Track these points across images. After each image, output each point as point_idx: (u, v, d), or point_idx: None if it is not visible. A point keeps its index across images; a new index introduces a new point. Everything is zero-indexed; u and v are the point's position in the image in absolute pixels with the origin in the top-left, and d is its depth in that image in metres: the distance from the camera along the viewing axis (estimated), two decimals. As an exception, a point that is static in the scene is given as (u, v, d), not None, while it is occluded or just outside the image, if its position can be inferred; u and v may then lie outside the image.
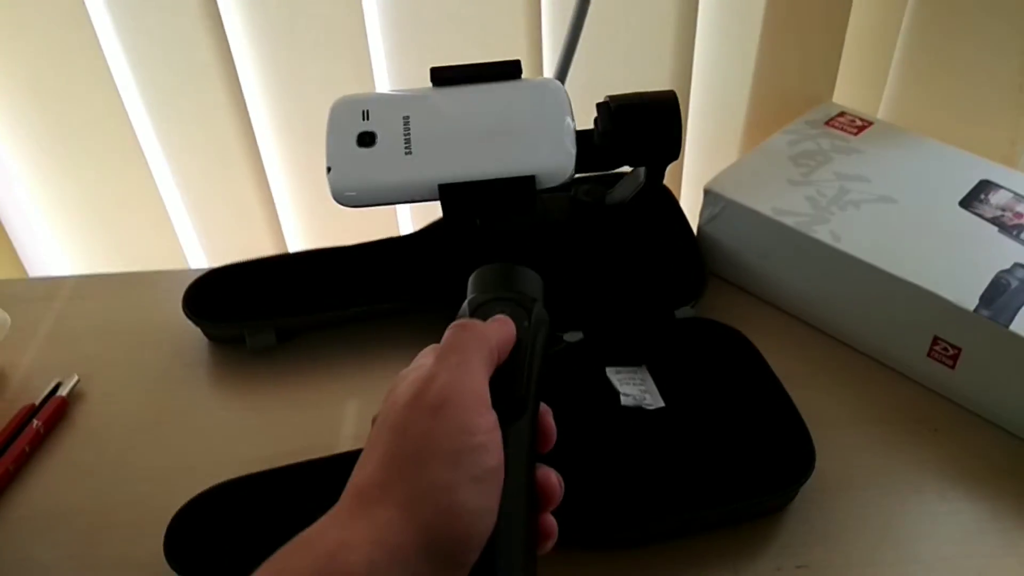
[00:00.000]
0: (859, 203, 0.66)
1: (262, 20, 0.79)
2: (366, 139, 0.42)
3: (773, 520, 0.54)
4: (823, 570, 0.52)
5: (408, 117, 0.42)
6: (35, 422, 0.61)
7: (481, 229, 0.45)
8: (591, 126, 0.52)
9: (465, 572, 0.33)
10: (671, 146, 0.47)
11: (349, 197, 0.42)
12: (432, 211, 0.71)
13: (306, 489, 0.54)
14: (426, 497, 0.32)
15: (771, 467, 0.54)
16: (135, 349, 0.68)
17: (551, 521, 0.38)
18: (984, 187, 0.67)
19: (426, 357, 0.37)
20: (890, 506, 0.55)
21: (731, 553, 0.52)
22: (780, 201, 0.67)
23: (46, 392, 0.63)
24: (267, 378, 0.65)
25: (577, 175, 0.44)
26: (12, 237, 0.90)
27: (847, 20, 0.84)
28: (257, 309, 0.67)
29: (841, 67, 0.87)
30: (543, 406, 0.40)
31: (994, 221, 0.64)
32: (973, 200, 0.66)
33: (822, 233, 0.64)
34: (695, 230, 0.71)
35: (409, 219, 0.96)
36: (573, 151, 0.42)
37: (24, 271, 0.92)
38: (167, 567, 0.51)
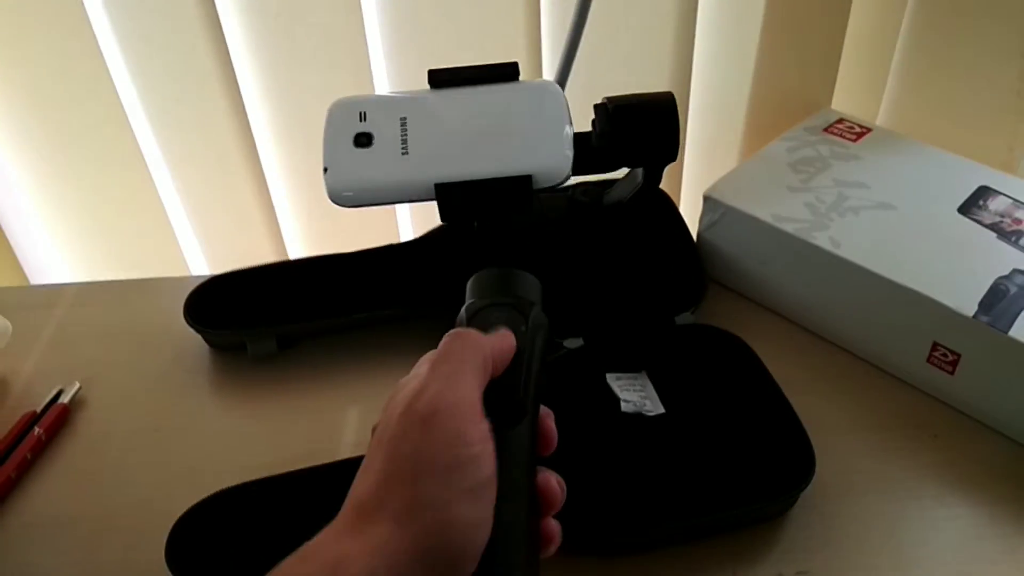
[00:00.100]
0: (858, 209, 0.66)
1: (262, 27, 0.79)
2: (363, 140, 0.42)
3: (773, 526, 0.54)
4: (823, 576, 0.52)
5: (405, 118, 0.43)
6: (37, 429, 0.61)
7: (480, 233, 0.45)
8: (589, 129, 0.52)
9: None
10: (669, 147, 0.47)
11: (346, 197, 0.42)
12: (432, 218, 0.72)
13: (307, 496, 0.54)
14: (421, 512, 0.32)
15: (771, 473, 0.54)
16: (136, 356, 0.68)
17: (553, 525, 0.38)
18: (983, 193, 0.67)
19: (423, 366, 0.37)
20: (890, 512, 0.55)
21: (731, 559, 0.53)
22: (779, 207, 0.67)
23: (48, 399, 0.63)
24: (268, 385, 0.65)
25: (575, 177, 0.44)
26: (14, 244, 0.90)
27: (845, 26, 0.84)
28: (258, 316, 0.67)
29: (840, 73, 0.87)
30: (544, 409, 0.40)
31: (993, 227, 0.64)
32: (972, 206, 0.66)
33: (821, 239, 0.64)
34: (695, 236, 0.72)
35: (409, 226, 0.96)
36: (570, 152, 0.42)
37: (26, 278, 0.92)
38: (169, 574, 0.51)
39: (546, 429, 0.40)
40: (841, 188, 0.69)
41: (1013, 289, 0.59)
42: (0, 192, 0.87)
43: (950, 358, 0.59)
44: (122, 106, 0.82)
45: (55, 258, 0.93)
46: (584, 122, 0.51)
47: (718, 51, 0.86)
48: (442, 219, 0.42)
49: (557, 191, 0.49)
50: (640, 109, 0.47)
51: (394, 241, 0.72)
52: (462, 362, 0.35)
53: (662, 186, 0.74)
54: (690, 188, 0.94)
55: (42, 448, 0.61)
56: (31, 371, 0.67)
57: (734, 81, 0.87)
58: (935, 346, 0.60)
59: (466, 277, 0.43)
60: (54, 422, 0.62)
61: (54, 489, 0.59)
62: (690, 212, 0.73)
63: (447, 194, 0.41)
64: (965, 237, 0.64)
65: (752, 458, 0.55)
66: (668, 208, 0.73)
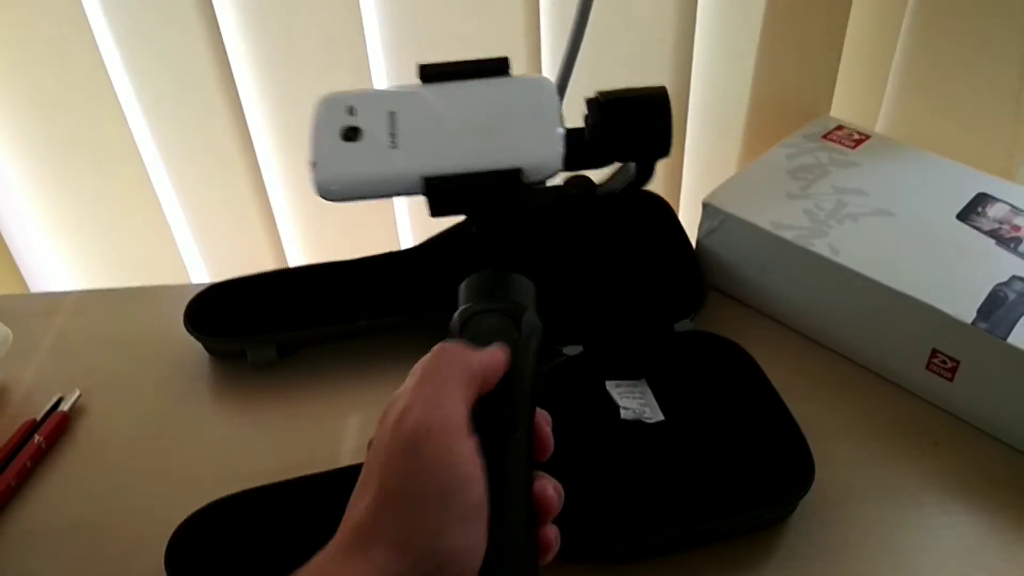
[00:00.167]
0: (857, 216, 0.67)
1: (261, 32, 0.79)
2: (351, 134, 0.42)
3: (773, 533, 0.54)
4: (823, 583, 0.52)
5: (394, 112, 0.42)
6: (37, 437, 0.61)
7: (476, 234, 0.45)
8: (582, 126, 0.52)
9: None
10: (662, 141, 0.47)
11: (334, 191, 0.42)
12: (432, 225, 0.72)
13: (307, 504, 0.54)
14: (415, 540, 0.32)
15: (770, 480, 0.54)
16: (136, 364, 0.68)
17: (551, 533, 0.38)
18: (981, 200, 0.68)
19: (413, 376, 0.37)
20: (890, 519, 0.55)
21: (731, 566, 0.53)
22: (778, 215, 0.67)
23: (48, 407, 0.63)
24: (268, 393, 0.66)
25: (567, 172, 0.44)
26: (14, 252, 0.90)
27: (844, 33, 0.84)
28: (258, 324, 0.67)
29: (839, 80, 0.87)
30: (541, 414, 0.40)
31: (991, 234, 0.64)
32: (970, 213, 0.66)
33: (820, 246, 0.64)
34: (694, 244, 0.72)
35: (410, 233, 0.96)
36: (561, 145, 0.42)
37: (26, 286, 0.92)
38: (168, 582, 0.51)
39: (542, 435, 0.39)
40: (840, 195, 0.69)
41: (1012, 296, 0.59)
42: (1, 200, 0.87)
43: (949, 365, 0.59)
44: (123, 113, 0.82)
45: (55, 266, 0.93)
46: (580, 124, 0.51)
47: (717, 59, 0.86)
48: (431, 213, 0.41)
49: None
50: (632, 102, 0.46)
51: (394, 248, 0.72)
52: (447, 379, 0.35)
53: (661, 193, 0.74)
54: (689, 195, 0.94)
55: (42, 456, 0.61)
56: (31, 379, 0.67)
57: (733, 88, 0.88)
58: (934, 353, 0.60)
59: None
60: (54, 430, 0.62)
61: (54, 497, 0.59)
62: (689, 219, 0.73)
63: (435, 187, 0.40)
64: (964, 244, 0.64)
65: (751, 465, 0.55)
66: (667, 215, 0.73)
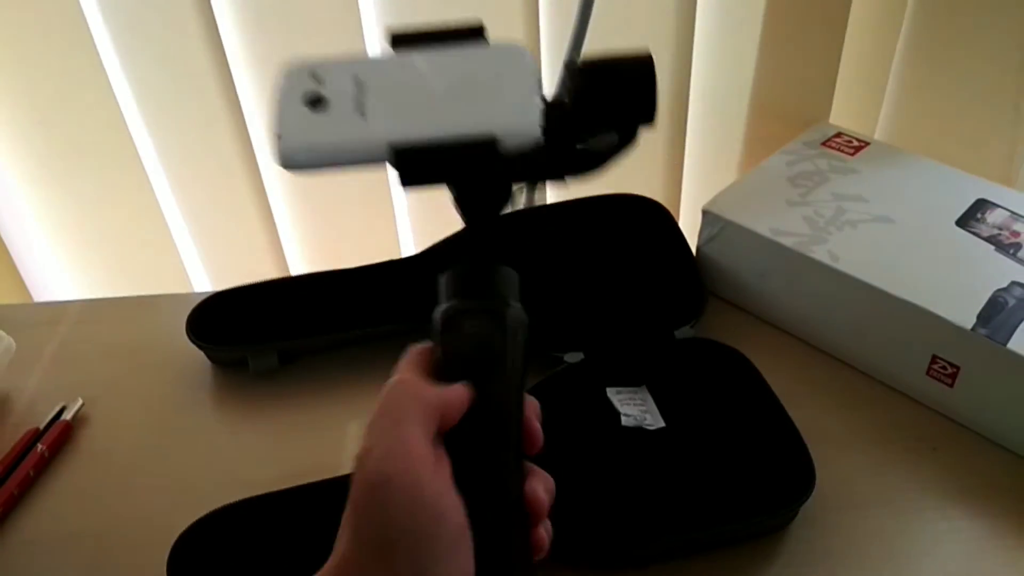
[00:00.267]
0: (856, 223, 0.67)
1: (262, 39, 0.80)
2: (316, 103, 0.39)
3: (774, 540, 0.54)
4: (824, 590, 0.52)
5: (362, 80, 0.40)
6: (39, 446, 0.61)
7: (467, 240, 0.43)
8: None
9: None
10: (647, 106, 0.44)
11: (296, 160, 0.39)
12: (433, 232, 0.72)
13: (310, 511, 0.54)
14: None
15: (771, 487, 0.54)
16: (139, 373, 0.68)
17: (543, 531, 0.38)
18: (981, 206, 0.68)
19: (372, 413, 0.36)
20: (890, 525, 0.55)
21: (732, 573, 0.53)
22: (778, 221, 0.67)
23: (50, 416, 0.64)
24: (270, 401, 0.66)
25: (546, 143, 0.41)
26: (17, 262, 0.90)
27: (843, 40, 0.85)
28: (260, 332, 0.68)
29: (838, 87, 0.87)
30: (531, 406, 0.39)
31: (991, 240, 0.64)
32: (970, 219, 0.67)
33: (820, 253, 0.64)
34: (694, 251, 0.72)
35: (411, 241, 0.96)
36: (539, 113, 0.39)
37: (29, 295, 0.92)
38: (171, 590, 0.51)
39: (531, 428, 0.39)
40: (839, 202, 0.69)
41: (1011, 301, 0.59)
42: (4, 209, 0.88)
43: (949, 371, 0.59)
44: (124, 122, 0.83)
45: (58, 275, 0.93)
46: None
47: (717, 66, 0.87)
48: (401, 184, 0.39)
49: (527, 161, 0.42)
50: (616, 68, 0.44)
51: (395, 257, 0.72)
52: (405, 415, 0.34)
53: (661, 200, 0.75)
54: (689, 202, 0.94)
55: (45, 465, 0.61)
56: (34, 388, 0.67)
57: (733, 96, 0.88)
58: (934, 359, 0.60)
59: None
60: (57, 439, 0.62)
61: (57, 506, 0.59)
62: (689, 226, 0.73)
63: (404, 156, 0.38)
64: (963, 250, 0.64)
65: (752, 472, 0.55)
66: (667, 222, 0.73)
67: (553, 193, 0.92)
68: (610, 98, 0.44)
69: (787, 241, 0.65)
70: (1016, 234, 0.65)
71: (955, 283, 0.61)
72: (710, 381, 0.62)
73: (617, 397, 0.60)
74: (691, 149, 0.91)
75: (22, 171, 0.85)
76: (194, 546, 0.53)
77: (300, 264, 0.97)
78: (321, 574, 0.33)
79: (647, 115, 0.44)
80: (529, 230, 0.72)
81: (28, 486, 0.59)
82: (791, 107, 0.87)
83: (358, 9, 0.79)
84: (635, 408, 0.59)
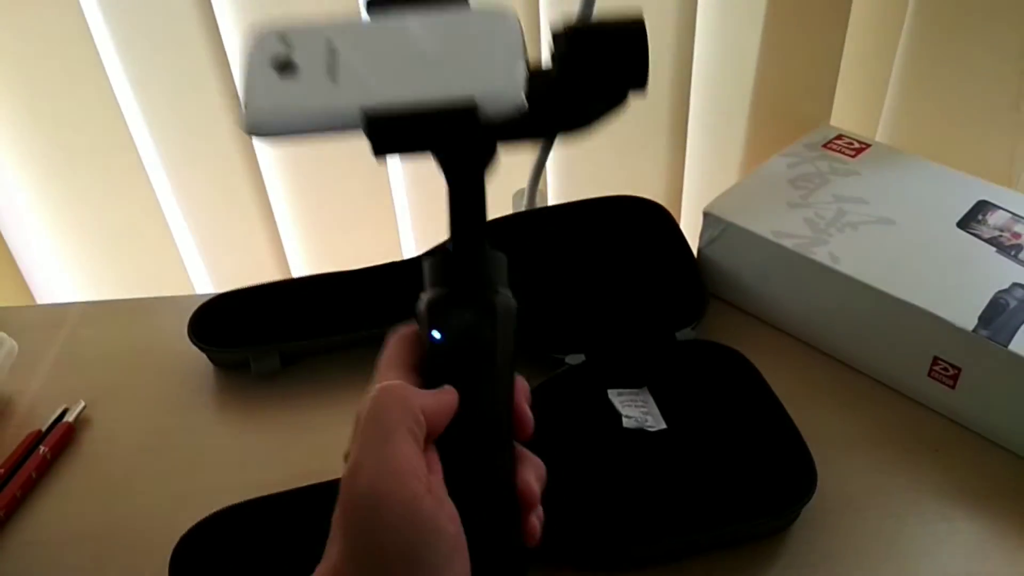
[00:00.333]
0: (857, 225, 0.67)
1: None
2: (286, 68, 0.37)
3: (775, 541, 0.54)
4: (826, 591, 0.52)
5: (335, 44, 0.38)
6: (42, 448, 0.61)
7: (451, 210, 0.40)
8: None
9: None
10: (638, 72, 0.42)
11: (263, 127, 0.37)
12: (436, 233, 0.72)
13: (312, 513, 0.54)
14: None
15: (773, 488, 0.54)
16: (141, 375, 0.68)
17: (535, 520, 0.37)
18: (982, 207, 0.68)
19: (356, 425, 0.34)
20: (892, 526, 0.55)
21: (733, 574, 0.53)
22: (779, 223, 0.67)
23: (53, 418, 0.64)
24: (272, 403, 0.66)
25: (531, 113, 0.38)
26: (20, 264, 0.91)
27: (843, 42, 0.85)
28: (261, 334, 0.68)
29: (839, 89, 0.88)
30: (521, 385, 0.38)
31: (992, 241, 0.65)
32: (971, 221, 0.67)
33: (821, 255, 0.64)
34: (695, 252, 0.72)
35: (413, 242, 0.97)
36: (523, 78, 0.37)
37: (32, 298, 0.93)
38: (173, 592, 0.51)
39: (521, 413, 0.38)
40: (840, 204, 0.69)
41: (1013, 303, 0.59)
42: (6, 211, 0.88)
43: (951, 372, 0.60)
44: (126, 124, 0.83)
45: (61, 277, 0.94)
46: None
47: (717, 68, 0.87)
48: (374, 153, 0.37)
49: (511, 129, 0.40)
50: (606, 32, 0.41)
51: (397, 258, 0.72)
52: (394, 425, 0.33)
53: (662, 202, 0.75)
54: (690, 204, 0.95)
55: (47, 467, 0.61)
56: (36, 390, 0.68)
57: (733, 98, 0.88)
58: (935, 360, 0.60)
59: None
60: (59, 441, 0.62)
61: (59, 508, 0.59)
62: (690, 228, 0.73)
63: (376, 122, 0.36)
64: (964, 251, 0.64)
65: (753, 473, 0.55)
66: (668, 224, 0.73)
67: (555, 196, 0.92)
68: (599, 63, 0.41)
69: (788, 243, 0.65)
70: (1017, 235, 0.65)
71: (956, 285, 0.61)
72: (711, 383, 0.62)
73: (618, 399, 0.60)
74: (692, 151, 0.91)
75: (25, 174, 0.86)
76: (196, 548, 0.53)
77: (302, 266, 0.97)
78: None
79: (638, 80, 0.42)
80: (530, 232, 0.73)
81: (30, 488, 0.60)
82: (792, 109, 0.87)
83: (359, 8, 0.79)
84: (636, 410, 0.59)
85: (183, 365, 0.68)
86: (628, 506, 0.54)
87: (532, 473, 0.37)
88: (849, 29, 0.84)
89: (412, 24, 0.38)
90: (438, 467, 0.34)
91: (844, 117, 0.89)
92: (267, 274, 0.95)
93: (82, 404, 0.65)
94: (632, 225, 0.73)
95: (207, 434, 0.64)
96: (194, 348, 0.67)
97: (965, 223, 0.66)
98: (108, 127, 0.82)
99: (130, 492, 0.60)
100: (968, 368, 0.59)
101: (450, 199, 0.39)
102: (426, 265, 0.39)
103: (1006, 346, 0.56)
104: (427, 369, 0.37)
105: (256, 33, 0.39)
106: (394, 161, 0.90)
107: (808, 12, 0.82)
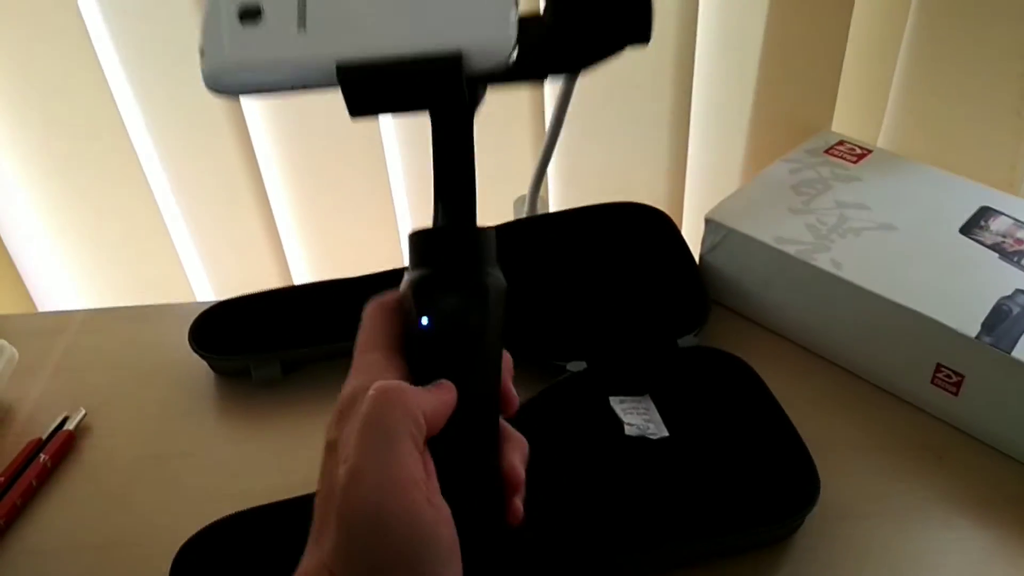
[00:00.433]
0: (860, 231, 0.67)
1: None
2: (250, 14, 0.34)
3: (778, 549, 0.54)
4: (829, 600, 0.52)
5: None
6: (42, 456, 0.61)
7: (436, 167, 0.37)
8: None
9: None
10: (639, 20, 0.38)
11: (224, 81, 0.34)
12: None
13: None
14: None
15: (776, 496, 0.54)
16: (142, 383, 0.68)
17: (518, 504, 0.36)
18: (984, 213, 0.68)
19: (352, 429, 0.33)
20: (895, 534, 0.55)
21: (737, 583, 0.52)
22: (781, 229, 0.67)
23: (53, 426, 0.64)
24: (273, 410, 0.66)
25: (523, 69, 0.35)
26: (21, 271, 0.91)
27: (844, 48, 0.85)
28: (262, 342, 0.68)
29: (840, 95, 0.88)
30: (506, 361, 0.36)
31: (994, 247, 0.64)
32: (973, 227, 0.66)
33: (823, 261, 0.64)
34: (697, 259, 0.72)
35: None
36: (513, 26, 0.33)
37: (33, 305, 0.93)
38: (173, 601, 0.51)
39: (506, 391, 0.36)
40: (842, 210, 0.69)
41: (1016, 309, 0.59)
42: (8, 219, 0.88)
43: (954, 379, 0.59)
44: (127, 132, 0.83)
45: (62, 285, 0.94)
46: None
47: (719, 74, 0.87)
48: (350, 112, 0.34)
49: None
50: None
51: (398, 265, 0.72)
52: (394, 430, 0.32)
53: (664, 208, 0.74)
54: (692, 211, 0.94)
55: (47, 475, 0.61)
56: (37, 398, 0.67)
57: (735, 104, 0.88)
58: (939, 367, 0.60)
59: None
60: (59, 449, 0.62)
61: (59, 516, 0.59)
62: (692, 235, 0.73)
63: (351, 77, 0.33)
64: (967, 258, 0.64)
65: (756, 481, 0.55)
66: (670, 231, 0.73)
67: (556, 202, 0.92)
68: (599, 14, 0.38)
69: (790, 249, 0.65)
70: (1020, 242, 0.65)
71: (959, 291, 0.61)
72: (713, 390, 0.61)
73: (620, 406, 0.60)
74: (694, 157, 0.91)
75: (26, 180, 0.86)
76: (197, 557, 0.53)
77: (303, 273, 0.97)
78: None
79: (641, 34, 0.39)
80: (532, 239, 0.72)
81: (31, 496, 0.59)
82: (793, 115, 0.87)
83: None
84: (638, 417, 0.59)
85: (184, 373, 0.68)
86: (630, 514, 0.53)
87: (517, 454, 0.36)
88: (850, 35, 0.84)
89: None
90: (432, 467, 0.33)
91: (846, 123, 0.89)
92: (268, 281, 0.95)
93: (83, 412, 0.65)
94: (634, 231, 0.73)
95: (208, 442, 0.64)
96: (195, 356, 0.67)
97: (967, 229, 0.66)
98: (109, 134, 0.83)
99: (131, 500, 0.60)
100: (971, 375, 0.58)
101: (436, 161, 0.36)
102: (412, 242, 0.36)
103: (1009, 353, 0.56)
104: (413, 355, 0.35)
105: None
106: (396, 166, 0.90)
107: (809, 18, 0.82)
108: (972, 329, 0.57)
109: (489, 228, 0.35)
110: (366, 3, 0.34)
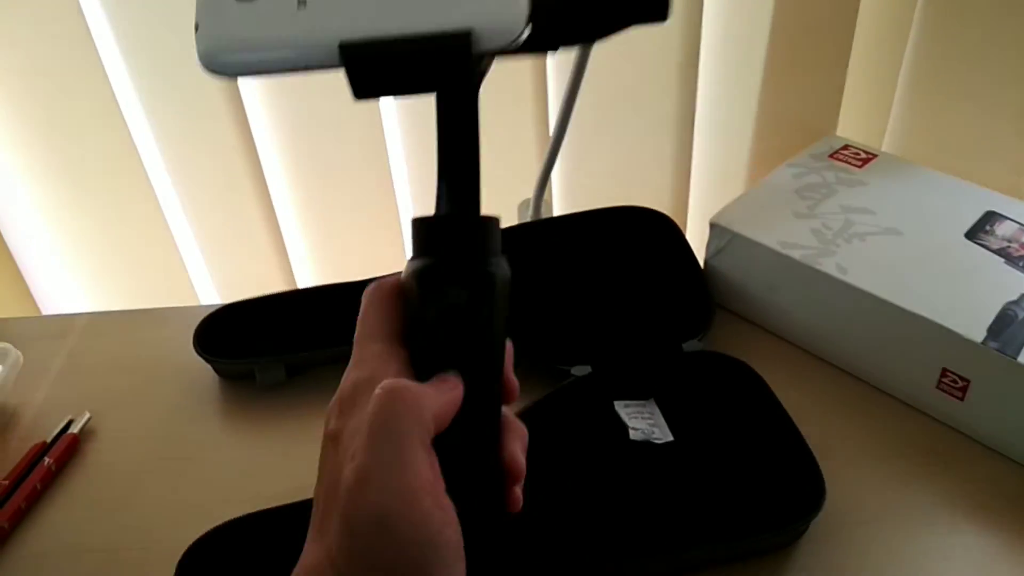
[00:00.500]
0: (865, 236, 0.67)
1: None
2: None
3: (783, 555, 0.54)
4: (835, 605, 0.51)
5: None
6: (47, 459, 0.61)
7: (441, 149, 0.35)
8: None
9: None
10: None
11: (221, 62, 0.33)
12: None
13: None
14: None
15: (781, 501, 0.54)
16: (146, 386, 0.68)
17: (518, 493, 0.36)
18: (990, 218, 0.68)
19: (359, 430, 0.32)
20: (902, 540, 0.54)
21: (742, 588, 0.52)
22: (786, 234, 0.67)
23: (58, 429, 0.64)
24: (277, 413, 0.66)
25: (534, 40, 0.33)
26: (25, 274, 0.91)
27: (849, 53, 0.85)
28: (267, 345, 0.68)
29: (845, 99, 0.88)
30: (507, 349, 0.35)
31: (1000, 252, 0.64)
32: (979, 231, 0.66)
33: (828, 266, 0.64)
34: (702, 263, 0.72)
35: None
36: (526, 3, 0.32)
37: (37, 308, 0.93)
38: (177, 605, 0.51)
39: (507, 379, 0.36)
40: (847, 214, 0.69)
41: (1022, 314, 0.58)
42: (12, 222, 0.88)
43: (960, 384, 0.59)
44: (131, 136, 0.83)
45: (66, 288, 0.94)
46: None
47: (723, 78, 0.87)
48: (354, 94, 0.32)
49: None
50: None
51: (402, 268, 0.72)
52: (405, 436, 0.31)
53: (669, 213, 0.74)
54: (696, 215, 0.94)
55: (52, 478, 0.61)
56: (41, 401, 0.67)
57: (739, 109, 0.88)
58: (944, 372, 0.60)
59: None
60: (64, 452, 0.62)
61: (64, 519, 0.59)
62: (697, 239, 0.73)
63: (356, 57, 0.31)
64: (973, 262, 0.64)
65: (761, 486, 0.55)
66: (675, 235, 0.73)
67: (560, 206, 0.92)
68: None
69: (795, 254, 0.65)
70: (1026, 246, 0.65)
71: (964, 296, 0.60)
72: (718, 394, 0.61)
73: (625, 410, 0.60)
74: (698, 161, 0.91)
75: (30, 185, 0.86)
76: (201, 560, 0.53)
77: (307, 276, 0.97)
78: None
79: (659, 11, 0.38)
80: (536, 243, 0.72)
81: (35, 499, 0.59)
82: (798, 119, 0.87)
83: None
84: (643, 422, 0.59)
85: (188, 376, 0.68)
86: (635, 518, 0.53)
87: (518, 443, 0.36)
88: (855, 39, 0.84)
89: None
90: (437, 465, 0.32)
91: (850, 127, 0.89)
92: (272, 285, 0.95)
93: (87, 415, 0.65)
94: (638, 236, 0.73)
95: (212, 445, 0.64)
96: (199, 359, 0.67)
97: (973, 234, 0.66)
98: (113, 139, 0.83)
99: (135, 503, 0.60)
100: (977, 380, 0.58)
101: (440, 143, 0.34)
102: (415, 228, 0.34)
103: (1015, 358, 0.56)
104: (416, 346, 0.34)
105: None
106: (400, 170, 0.90)
107: (814, 22, 0.82)
108: (978, 334, 0.57)
109: (494, 217, 0.34)
110: None
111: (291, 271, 0.95)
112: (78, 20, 0.76)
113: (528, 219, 0.76)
